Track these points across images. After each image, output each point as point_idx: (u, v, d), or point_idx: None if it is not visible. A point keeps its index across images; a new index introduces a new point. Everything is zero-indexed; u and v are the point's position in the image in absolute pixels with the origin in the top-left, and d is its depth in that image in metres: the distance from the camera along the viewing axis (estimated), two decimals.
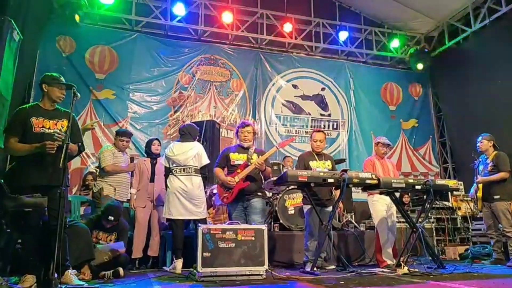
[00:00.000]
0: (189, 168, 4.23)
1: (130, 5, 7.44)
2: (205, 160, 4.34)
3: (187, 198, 4.15)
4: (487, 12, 7.51)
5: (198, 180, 4.27)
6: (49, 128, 3.07)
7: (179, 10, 7.51)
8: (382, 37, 8.96)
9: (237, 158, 4.23)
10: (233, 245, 3.45)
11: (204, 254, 3.34)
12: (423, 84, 9.30)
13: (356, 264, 5.12)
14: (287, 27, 8.22)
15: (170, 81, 7.56)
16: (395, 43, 8.83)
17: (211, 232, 3.39)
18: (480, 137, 5.28)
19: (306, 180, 3.95)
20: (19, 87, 5.35)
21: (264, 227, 3.63)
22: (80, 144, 3.28)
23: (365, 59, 9.09)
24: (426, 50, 8.69)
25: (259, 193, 4.17)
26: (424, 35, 9.04)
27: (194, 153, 4.29)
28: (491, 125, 6.75)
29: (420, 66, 8.61)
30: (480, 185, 5.11)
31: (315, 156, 4.58)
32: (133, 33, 7.51)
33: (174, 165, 4.26)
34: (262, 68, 8.34)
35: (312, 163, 4.47)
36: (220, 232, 3.43)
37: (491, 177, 4.98)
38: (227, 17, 7.78)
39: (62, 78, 3.18)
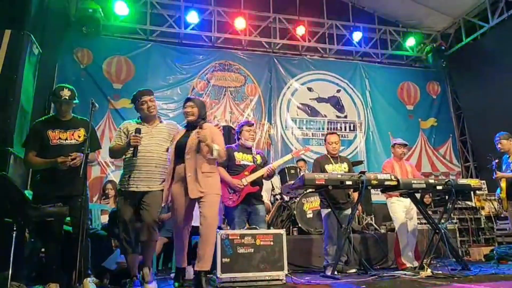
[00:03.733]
0: None
1: (144, 15, 7.58)
2: None
3: None
4: (505, 6, 7.33)
5: None
6: (66, 139, 3.14)
7: (193, 18, 7.61)
8: (397, 36, 8.84)
9: (242, 158, 4.03)
10: (252, 250, 3.43)
11: (223, 259, 3.34)
12: (441, 82, 9.13)
13: (378, 267, 5.04)
14: (300, 30, 8.22)
15: (185, 88, 7.64)
16: (410, 42, 8.70)
17: (230, 237, 3.39)
18: (497, 137, 5.15)
19: (324, 183, 3.91)
20: (39, 100, 5.50)
21: (283, 231, 3.61)
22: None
23: (380, 59, 8.99)
24: (443, 47, 8.54)
25: (262, 199, 4.10)
26: (440, 32, 8.89)
27: None
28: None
29: (438, 64, 8.46)
30: (504, 185, 4.97)
31: (331, 159, 4.55)
32: (148, 43, 7.63)
33: None
34: (276, 72, 8.34)
35: (328, 167, 4.44)
36: (238, 237, 3.43)
37: (509, 174, 4.85)
38: (240, 23, 7.83)
39: (64, 92, 3.18)
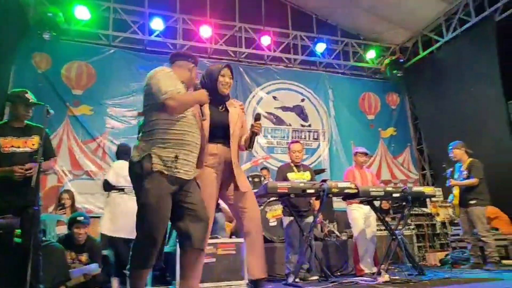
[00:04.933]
0: None
1: (107, 20, 7.42)
2: None
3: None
4: (458, 22, 7.77)
5: None
6: (18, 147, 3.01)
7: (157, 25, 7.54)
8: (359, 48, 9.15)
9: None
10: (213, 260, 3.42)
11: None
12: (399, 93, 9.51)
13: (339, 274, 5.14)
14: (266, 40, 8.32)
15: None
16: (371, 54, 9.03)
17: None
18: (450, 146, 5.43)
19: (286, 191, 3.96)
20: None
21: (243, 240, 3.60)
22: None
23: (343, 70, 9.26)
24: (401, 60, 8.92)
25: (219, 207, 4.09)
26: (399, 45, 9.29)
27: None
28: (465, 132, 6.94)
29: (394, 75, 8.83)
30: (457, 192, 5.22)
31: (294, 167, 4.62)
32: (111, 49, 7.46)
33: (127, 184, 4.30)
34: (242, 80, 8.39)
35: (291, 175, 4.51)
36: None
37: (462, 182, 5.12)
38: (205, 31, 7.83)
39: (28, 95, 3.09)
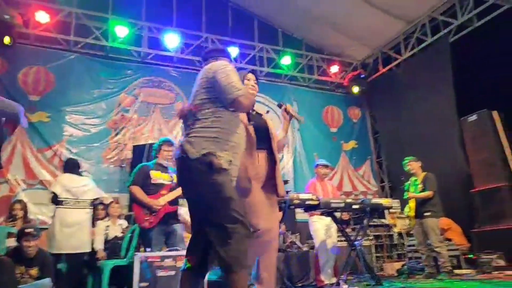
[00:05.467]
0: (85, 201, 4.50)
1: (68, 25, 7.20)
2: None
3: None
4: (416, 41, 8.18)
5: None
6: None
7: (121, 31, 7.39)
8: (322, 62, 9.40)
9: (159, 176, 3.86)
10: (173, 273, 3.35)
11: (141, 284, 3.21)
12: (361, 107, 9.81)
13: (300, 284, 5.19)
14: (233, 51, 8.37)
15: (111, 103, 7.32)
16: (334, 69, 9.29)
17: (149, 260, 3.27)
18: (406, 161, 5.67)
19: None
20: None
21: None
22: None
23: (307, 83, 9.45)
24: (362, 75, 9.24)
25: (179, 218, 4.04)
26: (360, 61, 9.62)
27: (91, 186, 4.63)
28: (421, 146, 7.26)
29: (356, 90, 9.14)
30: (413, 204, 5.43)
31: None
32: (71, 54, 7.23)
33: (73, 197, 4.30)
34: None
35: None
36: (158, 260, 3.33)
37: (418, 195, 5.34)
38: (171, 40, 7.78)
39: None
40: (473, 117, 6.39)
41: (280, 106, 2.88)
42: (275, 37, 9.17)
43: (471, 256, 5.83)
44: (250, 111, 2.62)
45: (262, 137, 2.65)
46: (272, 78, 9.13)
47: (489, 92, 6.37)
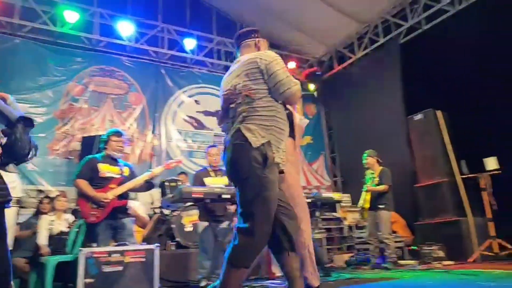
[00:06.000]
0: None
1: (12, 7, 6.73)
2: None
3: None
4: (369, 41, 8.46)
5: None
6: None
7: (71, 17, 7.02)
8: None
9: (107, 170, 3.74)
10: (121, 268, 3.26)
11: (86, 280, 3.09)
12: (316, 104, 10.02)
13: (253, 277, 5.21)
14: (189, 43, 8.24)
15: (58, 92, 6.95)
16: (291, 65, 9.38)
17: (95, 255, 3.16)
18: (365, 154, 5.87)
19: (202, 196, 3.94)
20: None
21: (154, 246, 3.50)
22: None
23: None
24: (318, 73, 9.41)
25: (129, 212, 3.94)
26: (316, 59, 9.81)
27: (17, 184, 4.29)
28: (372, 142, 7.48)
29: (312, 87, 9.29)
30: (368, 197, 5.65)
31: (212, 172, 4.62)
32: (15, 38, 6.77)
33: None
34: (163, 82, 8.19)
35: (207, 180, 4.49)
36: (105, 255, 3.22)
37: (374, 188, 5.56)
38: (125, 29, 7.51)
39: None
40: (419, 116, 6.72)
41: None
42: (233, 31, 9.07)
43: (414, 247, 6.17)
44: None
45: (291, 125, 2.67)
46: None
47: (434, 93, 6.72)
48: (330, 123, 9.92)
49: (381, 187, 5.52)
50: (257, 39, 2.49)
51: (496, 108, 5.78)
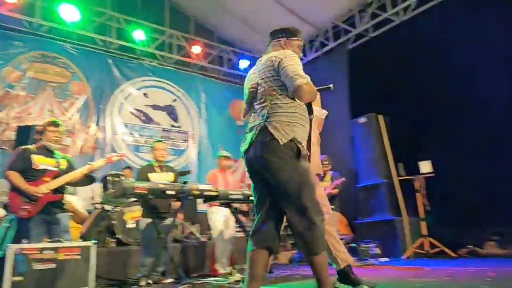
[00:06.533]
0: None
1: None
2: None
3: None
4: (320, 45, 8.69)
5: None
6: None
7: None
8: (233, 56, 9.47)
9: (42, 161, 3.52)
10: (54, 266, 3.08)
11: (14, 278, 2.89)
12: None
13: (196, 275, 5.18)
14: (140, 34, 7.96)
15: None
16: (244, 63, 9.42)
17: (24, 252, 2.96)
18: (322, 158, 6.05)
19: (145, 192, 3.83)
20: None
21: (91, 243, 3.36)
22: None
23: (217, 75, 9.45)
24: None
25: (64, 207, 3.77)
26: None
27: None
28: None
29: None
30: None
31: (156, 168, 4.52)
32: None
33: None
34: (110, 73, 7.87)
35: (152, 175, 4.39)
36: (36, 252, 3.03)
37: (332, 191, 5.77)
38: (70, 14, 7.09)
39: None
40: (362, 119, 7.03)
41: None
42: (186, 25, 8.97)
43: (353, 245, 6.44)
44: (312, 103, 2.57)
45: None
46: (181, 66, 8.93)
47: (378, 97, 7.05)
48: None
49: (335, 191, 5.74)
50: (283, 39, 2.49)
51: (432, 116, 6.19)
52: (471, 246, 5.74)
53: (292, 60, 2.26)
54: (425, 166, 5.94)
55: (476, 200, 5.56)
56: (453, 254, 5.59)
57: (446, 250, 5.63)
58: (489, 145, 5.50)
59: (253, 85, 2.36)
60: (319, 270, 2.06)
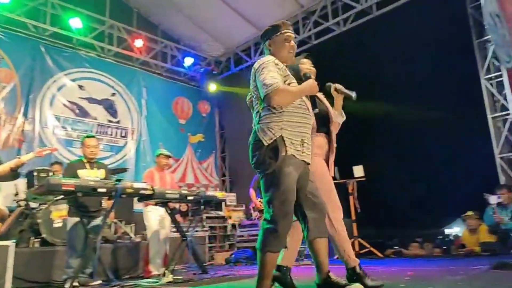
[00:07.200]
0: None
1: None
2: None
3: None
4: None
5: None
6: None
7: None
8: (177, 52, 9.28)
9: None
10: None
11: None
12: (211, 103, 10.06)
13: (128, 276, 5.00)
14: (77, 22, 7.52)
15: None
16: (188, 61, 9.28)
17: None
18: None
19: (73, 189, 3.61)
20: None
21: (10, 243, 3.10)
22: None
23: (160, 71, 9.21)
24: (215, 72, 9.50)
25: None
26: (214, 58, 9.86)
27: None
28: None
29: (211, 86, 9.38)
30: None
31: (87, 164, 4.29)
32: None
33: None
34: (43, 61, 7.33)
35: (82, 172, 4.17)
36: None
37: None
38: None
39: None
40: None
41: (329, 87, 2.90)
42: (129, 17, 8.64)
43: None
44: (316, 97, 2.59)
45: (324, 121, 2.80)
46: (122, 59, 8.58)
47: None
48: (223, 123, 10.05)
49: None
50: (268, 41, 2.50)
51: (366, 122, 6.53)
52: (397, 247, 6.14)
53: (263, 69, 2.32)
54: (358, 171, 6.23)
55: (403, 203, 5.97)
56: (380, 255, 5.93)
57: (374, 250, 5.95)
58: (414, 153, 5.93)
59: (250, 97, 2.55)
60: (264, 270, 2.20)
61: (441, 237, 6.45)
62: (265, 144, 2.25)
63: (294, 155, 2.26)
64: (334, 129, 2.90)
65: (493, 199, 5.24)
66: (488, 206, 5.33)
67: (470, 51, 6.10)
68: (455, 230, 7.57)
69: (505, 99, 5.72)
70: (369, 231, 6.32)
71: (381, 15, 6.89)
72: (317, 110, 2.46)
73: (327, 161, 2.82)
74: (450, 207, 6.43)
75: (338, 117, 2.93)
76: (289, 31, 2.49)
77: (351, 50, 6.82)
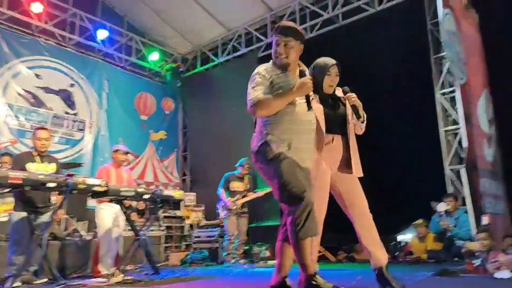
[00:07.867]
0: None
1: None
2: None
3: None
4: (232, 49, 8.78)
5: None
6: None
7: None
8: (143, 46, 9.07)
9: None
10: None
11: None
12: (175, 100, 9.90)
13: (76, 275, 4.82)
14: (36, 7, 7.18)
15: None
16: (154, 56, 9.08)
17: None
18: (240, 163, 6.18)
19: (21, 182, 3.44)
20: None
21: None
22: None
23: (123, 64, 8.96)
24: (181, 69, 9.37)
25: None
26: (181, 55, 9.73)
27: None
28: (225, 146, 7.85)
29: (175, 83, 9.24)
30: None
31: (37, 157, 4.10)
32: None
33: None
34: None
35: (31, 165, 3.99)
36: None
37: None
38: None
39: None
40: None
41: (345, 92, 2.88)
42: (93, 6, 8.35)
43: (247, 248, 6.61)
44: (310, 97, 2.51)
45: (340, 122, 2.81)
46: (83, 49, 8.27)
47: None
48: (186, 121, 9.92)
49: (256, 195, 6.02)
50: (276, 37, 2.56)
51: None
52: (346, 253, 6.29)
53: (249, 83, 2.48)
54: None
55: None
56: (333, 259, 6.06)
57: (327, 254, 6.08)
58: (369, 160, 6.08)
59: None
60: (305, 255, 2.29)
61: (393, 243, 6.68)
62: (255, 150, 2.48)
63: (281, 152, 2.38)
64: (352, 130, 2.89)
65: (441, 206, 5.45)
66: (434, 214, 5.57)
67: (428, 66, 6.37)
68: (407, 237, 7.87)
69: (457, 113, 6.02)
70: (323, 235, 6.44)
71: (346, 25, 7.08)
72: (312, 110, 2.47)
73: (347, 162, 2.80)
74: (403, 215, 6.66)
75: (359, 122, 2.88)
76: (277, 35, 2.52)
77: (315, 57, 6.93)
